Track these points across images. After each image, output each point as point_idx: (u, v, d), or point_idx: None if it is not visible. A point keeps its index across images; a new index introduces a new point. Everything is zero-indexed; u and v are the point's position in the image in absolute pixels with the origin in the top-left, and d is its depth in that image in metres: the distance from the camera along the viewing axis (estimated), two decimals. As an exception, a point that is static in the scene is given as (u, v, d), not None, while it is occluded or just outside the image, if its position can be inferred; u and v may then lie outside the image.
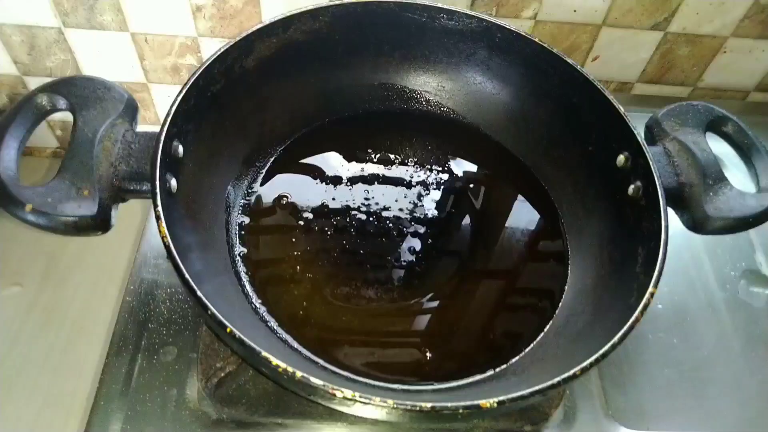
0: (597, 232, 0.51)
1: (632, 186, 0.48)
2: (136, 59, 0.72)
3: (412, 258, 0.51)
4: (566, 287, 0.50)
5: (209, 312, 0.35)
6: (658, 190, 0.45)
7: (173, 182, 0.43)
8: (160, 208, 0.38)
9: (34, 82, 0.74)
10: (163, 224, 0.38)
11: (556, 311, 0.48)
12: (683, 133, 0.50)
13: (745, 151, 0.49)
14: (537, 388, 0.34)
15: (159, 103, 0.78)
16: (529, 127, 0.58)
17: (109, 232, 0.42)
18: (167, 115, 0.43)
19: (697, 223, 0.47)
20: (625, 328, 0.38)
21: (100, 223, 0.40)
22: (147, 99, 0.78)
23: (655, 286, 0.40)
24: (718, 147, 0.50)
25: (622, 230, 0.49)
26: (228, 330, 0.34)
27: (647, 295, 0.39)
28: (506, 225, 0.55)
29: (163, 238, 0.37)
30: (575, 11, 0.67)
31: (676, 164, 0.48)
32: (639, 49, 0.71)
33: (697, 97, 0.78)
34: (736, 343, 0.54)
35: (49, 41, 0.69)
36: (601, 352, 0.36)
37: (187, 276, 0.36)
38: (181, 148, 0.44)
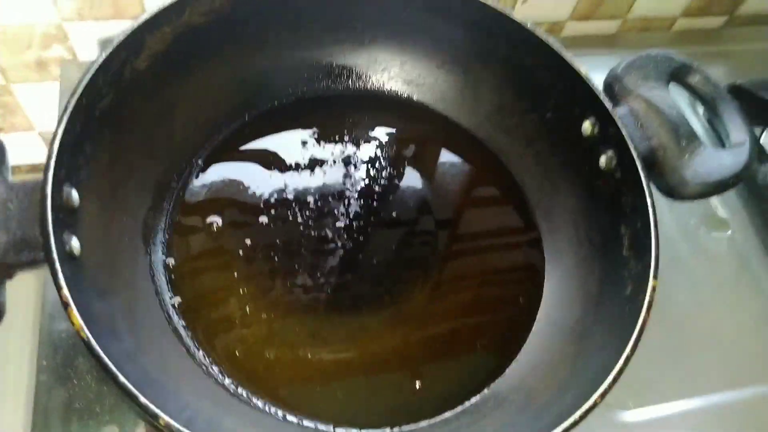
0: (568, 208, 0.47)
1: (603, 156, 0.44)
2: (-13, 57, 0.58)
3: (371, 270, 0.45)
4: (545, 275, 0.46)
5: (162, 422, 0.27)
6: (636, 161, 0.41)
7: (74, 242, 0.34)
8: (65, 291, 0.29)
9: None
10: (74, 311, 0.29)
11: (540, 305, 0.45)
12: (647, 88, 0.46)
13: (710, 103, 0.46)
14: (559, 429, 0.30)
15: (28, 106, 0.65)
16: (476, 96, 0.52)
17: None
18: (49, 155, 0.33)
19: (674, 190, 0.44)
20: (635, 335, 0.34)
21: (-15, 320, 0.30)
22: (11, 102, 0.64)
23: (655, 277, 0.36)
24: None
25: (597, 206, 0.45)
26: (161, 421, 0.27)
27: (649, 290, 0.36)
28: (466, 209, 0.50)
29: (78, 331, 0.29)
30: (503, -49, 0.60)
31: (645, 126, 0.45)
32: (568, -14, 0.66)
33: (626, 30, 0.75)
34: (706, 295, 0.53)
35: None
36: (616, 369, 0.33)
37: (122, 380, 0.28)
38: (75, 193, 0.35)
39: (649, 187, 0.40)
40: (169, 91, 0.43)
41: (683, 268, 0.55)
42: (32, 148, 0.70)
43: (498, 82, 0.50)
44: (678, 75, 0.47)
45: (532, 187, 0.50)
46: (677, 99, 0.46)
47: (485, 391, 0.41)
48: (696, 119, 0.62)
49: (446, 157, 0.53)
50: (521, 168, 0.51)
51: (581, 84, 0.44)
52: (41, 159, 0.72)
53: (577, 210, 0.46)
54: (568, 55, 0.45)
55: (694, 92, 0.47)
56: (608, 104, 0.43)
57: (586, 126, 0.45)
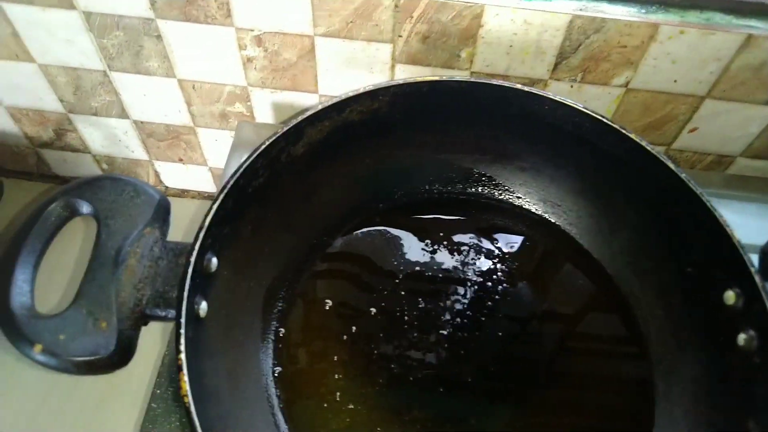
0: (691, 376, 0.43)
1: (743, 335, 0.40)
2: (183, 104, 0.67)
3: (466, 385, 0.44)
4: (651, 442, 0.42)
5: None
6: (780, 353, 0.36)
7: (203, 305, 0.38)
8: (183, 356, 0.33)
9: (79, 119, 0.71)
10: (185, 377, 0.33)
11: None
12: (812, 269, 0.41)
13: None
14: None
15: (206, 146, 0.74)
16: (613, 229, 0.50)
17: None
18: (201, 226, 0.38)
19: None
20: None
21: (117, 360, 0.35)
22: (194, 141, 0.73)
23: (775, 499, 0.32)
24: None
25: (726, 386, 0.40)
26: None
27: None
28: (581, 344, 0.48)
29: (183, 396, 0.32)
30: (675, 81, 0.57)
31: (802, 312, 0.40)
32: (748, 124, 0.61)
33: (809, 175, 0.67)
34: None
35: (94, 83, 0.65)
36: None
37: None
38: (215, 260, 0.39)
39: (790, 388, 0.35)
40: (316, 175, 0.48)
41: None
42: (202, 178, 0.80)
43: (639, 221, 0.48)
44: None
45: (657, 340, 0.46)
46: None
47: None
48: None
49: (570, 282, 0.51)
50: (649, 316, 0.47)
51: (731, 249, 0.41)
52: (207, 188, 0.82)
53: (701, 382, 0.42)
54: (722, 217, 0.42)
55: None
56: (759, 279, 0.39)
57: (729, 295, 0.41)
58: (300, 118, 0.43)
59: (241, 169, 0.40)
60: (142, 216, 0.38)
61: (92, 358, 0.34)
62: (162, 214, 0.40)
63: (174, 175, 0.80)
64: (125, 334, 0.35)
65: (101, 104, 0.69)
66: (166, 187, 0.83)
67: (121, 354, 0.35)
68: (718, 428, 0.39)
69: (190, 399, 0.32)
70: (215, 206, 0.38)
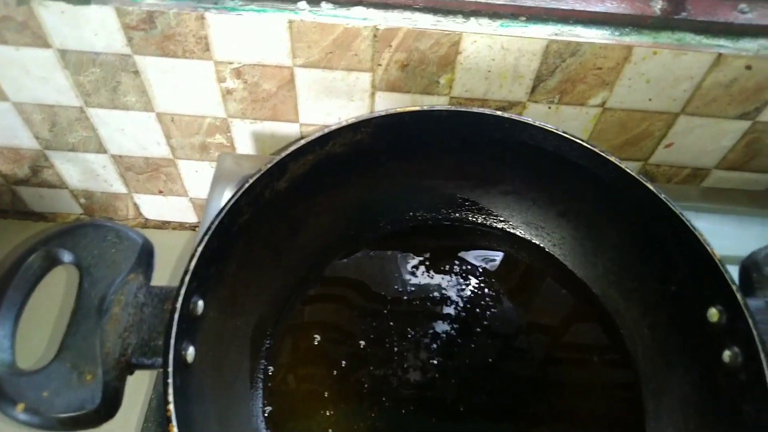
0: (680, 395, 0.44)
1: (728, 351, 0.40)
2: (162, 137, 0.67)
3: (467, 415, 0.44)
4: (643, 465, 0.43)
5: None
6: (765, 371, 0.37)
7: (190, 350, 0.37)
8: (171, 406, 0.32)
9: (56, 156, 0.70)
10: (175, 430, 0.32)
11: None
12: (792, 283, 0.42)
13: None
14: None
15: (187, 177, 0.73)
16: (597, 250, 0.50)
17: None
18: (186, 271, 0.37)
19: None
20: None
21: (104, 414, 0.34)
22: (174, 173, 0.73)
23: None
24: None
25: (715, 404, 0.41)
26: None
27: None
28: (570, 367, 0.48)
29: (173, 449, 0.31)
30: (650, 99, 0.58)
31: (784, 327, 0.40)
32: (720, 138, 0.63)
33: (783, 185, 0.69)
34: None
35: (70, 119, 0.65)
36: None
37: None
38: (201, 303, 0.39)
39: (778, 405, 0.36)
40: (300, 209, 0.47)
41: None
42: (183, 209, 0.79)
43: (621, 241, 0.49)
44: (833, 274, 0.42)
45: (644, 359, 0.47)
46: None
47: None
48: None
49: (557, 304, 0.52)
50: (635, 336, 0.48)
51: (713, 267, 0.41)
52: (188, 218, 0.81)
53: (690, 401, 0.43)
54: (702, 236, 0.42)
55: None
56: (741, 297, 0.40)
57: (713, 313, 0.42)
58: (283, 155, 0.43)
59: (226, 209, 0.40)
60: (125, 262, 0.38)
61: (78, 413, 0.33)
62: (145, 258, 0.39)
63: (154, 207, 0.79)
64: (111, 385, 0.35)
65: (78, 140, 0.68)
66: (146, 219, 0.82)
67: (108, 406, 0.34)
68: (709, 448, 0.40)
69: (180, 452, 0.31)
70: (200, 249, 0.38)
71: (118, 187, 0.75)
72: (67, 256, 0.37)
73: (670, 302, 0.46)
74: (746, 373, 0.39)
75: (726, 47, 0.53)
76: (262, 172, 0.42)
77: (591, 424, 0.45)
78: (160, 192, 0.76)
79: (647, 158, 0.66)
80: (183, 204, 0.78)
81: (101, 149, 0.69)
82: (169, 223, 0.82)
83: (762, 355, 0.38)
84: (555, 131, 0.46)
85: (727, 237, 0.57)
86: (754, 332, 0.38)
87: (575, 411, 0.47)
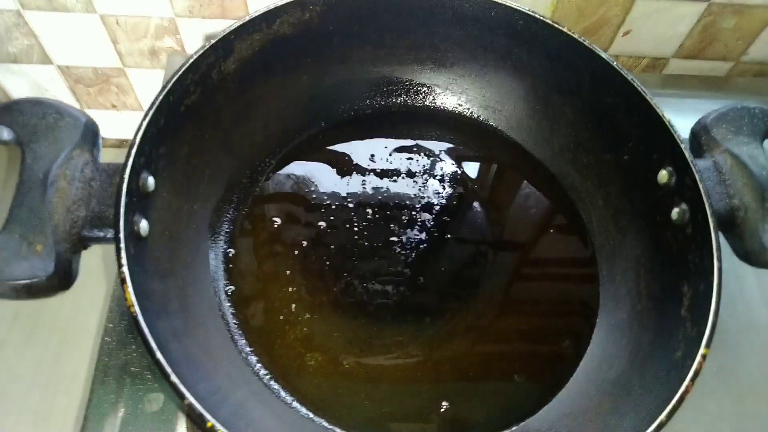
0: (632, 256, 0.45)
1: (676, 209, 0.42)
2: (109, 42, 0.64)
3: (419, 285, 0.45)
4: (597, 320, 0.44)
5: (186, 402, 0.30)
6: (709, 220, 0.38)
7: (143, 224, 0.37)
8: (125, 269, 0.32)
9: (-2, 69, 0.67)
10: (129, 288, 0.32)
11: (587, 349, 0.43)
12: (737, 143, 0.43)
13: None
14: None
15: (139, 88, 0.71)
16: (553, 128, 0.51)
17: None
18: (131, 144, 0.36)
19: (751, 255, 0.41)
20: (673, 402, 0.32)
21: (58, 283, 0.34)
22: (125, 84, 0.70)
23: (708, 346, 0.34)
24: None
25: (663, 259, 0.42)
26: (209, 425, 0.29)
27: (698, 357, 0.34)
28: (527, 240, 0.49)
29: (129, 307, 0.32)
30: (606, -18, 0.58)
31: (728, 183, 0.42)
32: (677, 23, 0.63)
33: (737, 73, 0.70)
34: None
35: (8, 25, 0.61)
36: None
37: (159, 357, 0.30)
38: (151, 180, 0.38)
39: (719, 249, 0.37)
40: (252, 94, 0.46)
41: (760, 336, 0.50)
42: (139, 126, 0.77)
43: (577, 117, 0.49)
44: (776, 132, 0.43)
45: (598, 228, 0.48)
46: (770, 159, 0.42)
47: (514, 427, 0.40)
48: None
49: (514, 183, 0.52)
50: (590, 207, 0.49)
51: (663, 130, 0.42)
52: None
53: (641, 260, 0.44)
54: (652, 99, 0.43)
55: (792, 153, 0.43)
56: (689, 155, 0.41)
57: (663, 174, 0.43)
58: (227, 30, 0.42)
59: (170, 84, 0.39)
60: (68, 138, 0.37)
61: (30, 281, 0.33)
62: (90, 136, 0.38)
63: (109, 124, 0.77)
64: (63, 256, 0.34)
65: (20, 49, 0.64)
66: (103, 138, 0.79)
67: (62, 276, 0.34)
68: (656, 296, 0.42)
69: (136, 308, 0.31)
70: (145, 122, 0.37)
71: (69, 102, 0.72)
72: (5, 133, 0.36)
73: (623, 171, 0.47)
74: (692, 226, 0.40)
75: None
76: (206, 47, 0.41)
77: (551, 291, 0.47)
78: (114, 106, 0.74)
79: (606, 48, 0.66)
80: (138, 119, 0.76)
81: (46, 60, 0.66)
82: (126, 141, 0.80)
83: (707, 207, 0.39)
84: (507, 4, 0.45)
85: (684, 120, 0.58)
86: (701, 187, 0.39)
87: (536, 280, 0.48)
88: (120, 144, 0.80)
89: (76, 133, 0.37)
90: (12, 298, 0.33)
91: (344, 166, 0.50)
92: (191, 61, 0.40)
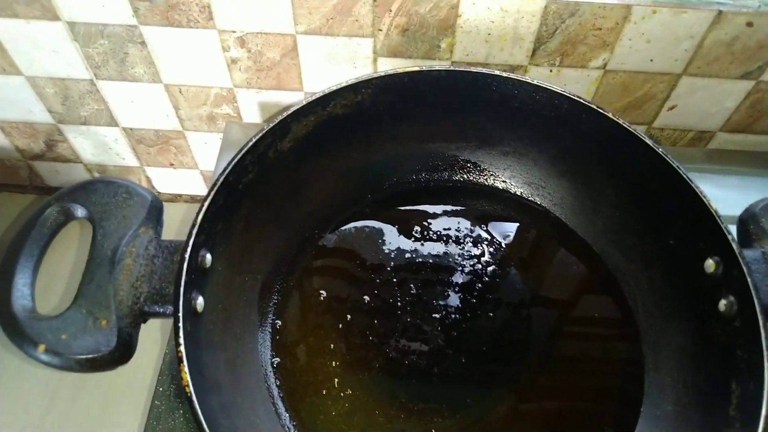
0: (677, 346, 0.44)
1: (723, 301, 0.41)
2: (171, 108, 0.68)
3: (461, 364, 0.45)
4: (642, 411, 0.44)
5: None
6: (758, 315, 0.38)
7: (200, 300, 0.39)
8: (182, 348, 0.34)
9: (69, 130, 0.72)
10: (185, 368, 0.34)
11: (628, 443, 0.42)
12: (787, 234, 0.42)
13: None
14: None
15: (196, 149, 0.75)
16: (596, 208, 0.51)
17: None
18: (193, 224, 0.39)
19: (803, 352, 0.40)
20: None
21: (119, 357, 0.36)
22: (183, 145, 0.74)
23: (758, 453, 0.33)
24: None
25: (710, 352, 0.42)
26: None
27: (747, 464, 0.33)
28: (570, 322, 0.49)
29: (185, 387, 0.33)
30: (652, 60, 0.59)
31: (779, 276, 0.41)
32: (724, 99, 0.63)
33: (788, 147, 0.69)
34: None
35: (82, 92, 0.66)
36: None
37: (204, 427, 0.32)
38: (209, 256, 0.40)
39: (768, 347, 0.37)
40: (304, 170, 0.49)
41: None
42: (194, 182, 0.81)
43: (620, 198, 0.49)
44: (829, 224, 0.43)
45: (643, 312, 0.48)
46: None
47: None
48: None
49: (559, 262, 0.53)
50: (634, 290, 0.49)
51: (709, 218, 0.42)
52: (199, 191, 0.83)
53: (686, 350, 0.44)
54: (700, 189, 0.43)
55: None
56: (736, 247, 0.40)
57: (710, 264, 0.42)
58: (285, 114, 0.44)
59: (230, 166, 0.41)
60: (136, 216, 0.39)
61: (94, 355, 0.35)
62: (155, 214, 0.41)
63: (165, 180, 0.81)
64: (125, 331, 0.36)
65: (90, 113, 0.69)
66: (158, 192, 0.84)
67: (123, 351, 0.36)
68: (702, 390, 0.41)
69: (191, 388, 0.33)
70: (206, 203, 0.39)
71: (131, 160, 0.77)
72: (80, 211, 0.39)
73: (668, 256, 0.47)
74: (740, 320, 0.40)
75: (726, 4, 0.53)
76: (264, 130, 0.43)
77: (593, 374, 0.47)
78: (171, 165, 0.78)
79: (651, 122, 0.67)
80: (194, 176, 0.80)
81: (112, 122, 0.71)
82: (180, 196, 0.84)
83: (756, 302, 0.38)
84: (551, 88, 0.47)
85: (728, 198, 0.57)
86: (749, 280, 0.39)
87: (578, 362, 0.48)
88: (174, 198, 0.85)
89: (142, 212, 0.40)
90: (75, 371, 0.35)
91: (389, 241, 0.51)
92: (251, 144, 0.42)
